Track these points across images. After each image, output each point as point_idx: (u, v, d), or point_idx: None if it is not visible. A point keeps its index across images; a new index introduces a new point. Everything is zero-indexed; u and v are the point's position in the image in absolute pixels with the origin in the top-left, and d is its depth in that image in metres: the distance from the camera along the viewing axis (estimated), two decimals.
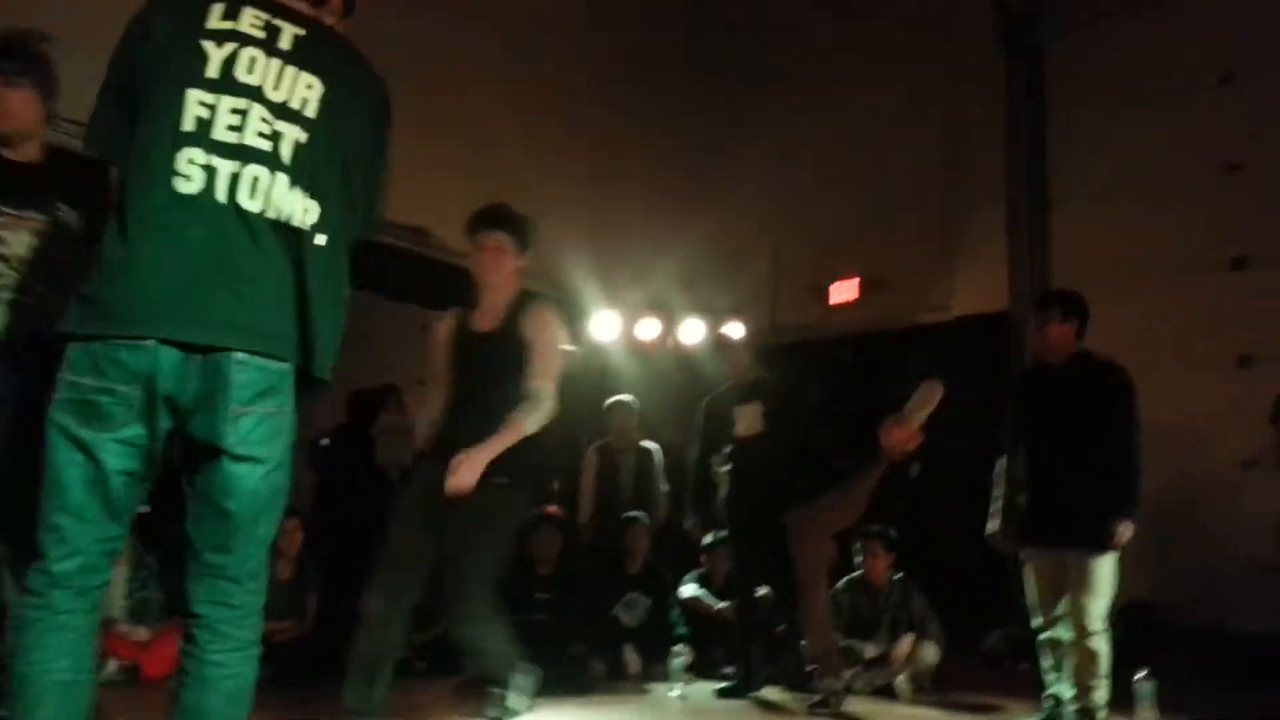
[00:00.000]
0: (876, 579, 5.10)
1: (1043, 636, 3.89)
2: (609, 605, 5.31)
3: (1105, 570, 3.71)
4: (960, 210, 7.26)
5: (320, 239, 1.85)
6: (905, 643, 4.84)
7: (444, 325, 3.30)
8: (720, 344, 5.55)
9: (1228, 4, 6.26)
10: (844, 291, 7.68)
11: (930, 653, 4.89)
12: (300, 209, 1.82)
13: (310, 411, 8.16)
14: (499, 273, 3.17)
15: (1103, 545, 3.68)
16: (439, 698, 4.24)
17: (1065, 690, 3.81)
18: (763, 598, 5.00)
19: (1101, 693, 3.69)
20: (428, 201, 6.53)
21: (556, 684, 4.39)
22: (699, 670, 5.15)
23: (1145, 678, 4.05)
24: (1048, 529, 3.83)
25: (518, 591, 4.95)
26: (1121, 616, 5.59)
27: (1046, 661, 3.87)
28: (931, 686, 4.87)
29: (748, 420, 4.86)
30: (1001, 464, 4.10)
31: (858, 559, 5.19)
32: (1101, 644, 3.70)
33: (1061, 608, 3.79)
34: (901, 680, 4.65)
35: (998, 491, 4.08)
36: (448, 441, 2.99)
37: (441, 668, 4.90)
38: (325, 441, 6.23)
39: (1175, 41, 6.41)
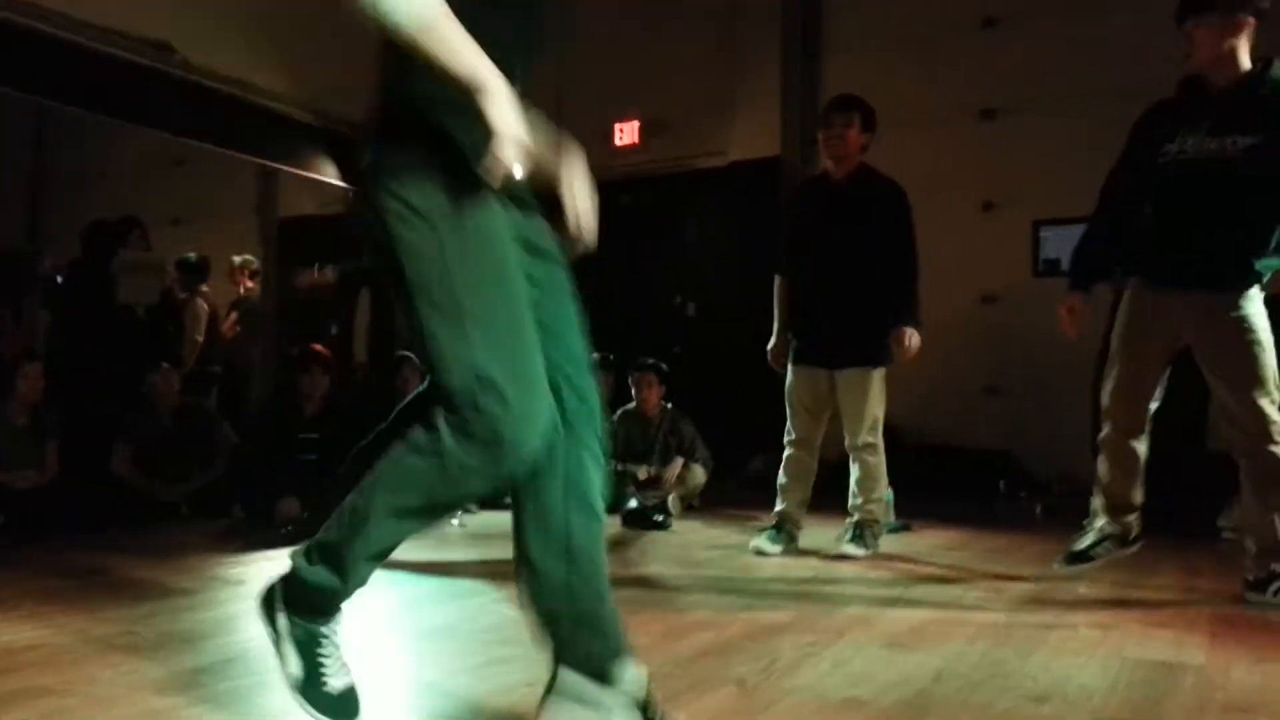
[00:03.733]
0: (649, 409, 5.28)
1: (790, 453, 3.80)
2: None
3: (874, 385, 3.67)
4: (738, 58, 7.33)
5: None
6: (675, 466, 5.09)
7: None
8: None
9: None
10: (626, 135, 7.63)
11: (698, 474, 5.17)
12: None
13: (41, 245, 7.39)
14: None
15: (874, 361, 3.66)
16: (208, 537, 4.07)
17: (787, 502, 3.79)
18: None
19: (874, 504, 3.69)
20: (172, 12, 5.84)
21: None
22: (485, 501, 5.21)
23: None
24: (816, 350, 3.74)
25: (285, 432, 4.78)
26: None
27: (784, 477, 3.80)
28: (699, 504, 5.18)
29: None
30: (778, 281, 3.94)
31: (633, 390, 5.35)
32: (877, 456, 3.68)
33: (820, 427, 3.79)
34: (672, 499, 4.88)
35: (776, 311, 3.93)
36: None
37: (206, 512, 4.74)
38: (60, 278, 5.66)
39: None
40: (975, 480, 5.59)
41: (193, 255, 6.66)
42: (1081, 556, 3.09)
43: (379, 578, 1.61)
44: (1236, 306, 2.82)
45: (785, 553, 3.66)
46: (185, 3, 5.89)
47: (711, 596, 2.86)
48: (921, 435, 5.42)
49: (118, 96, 5.78)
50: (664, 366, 5.37)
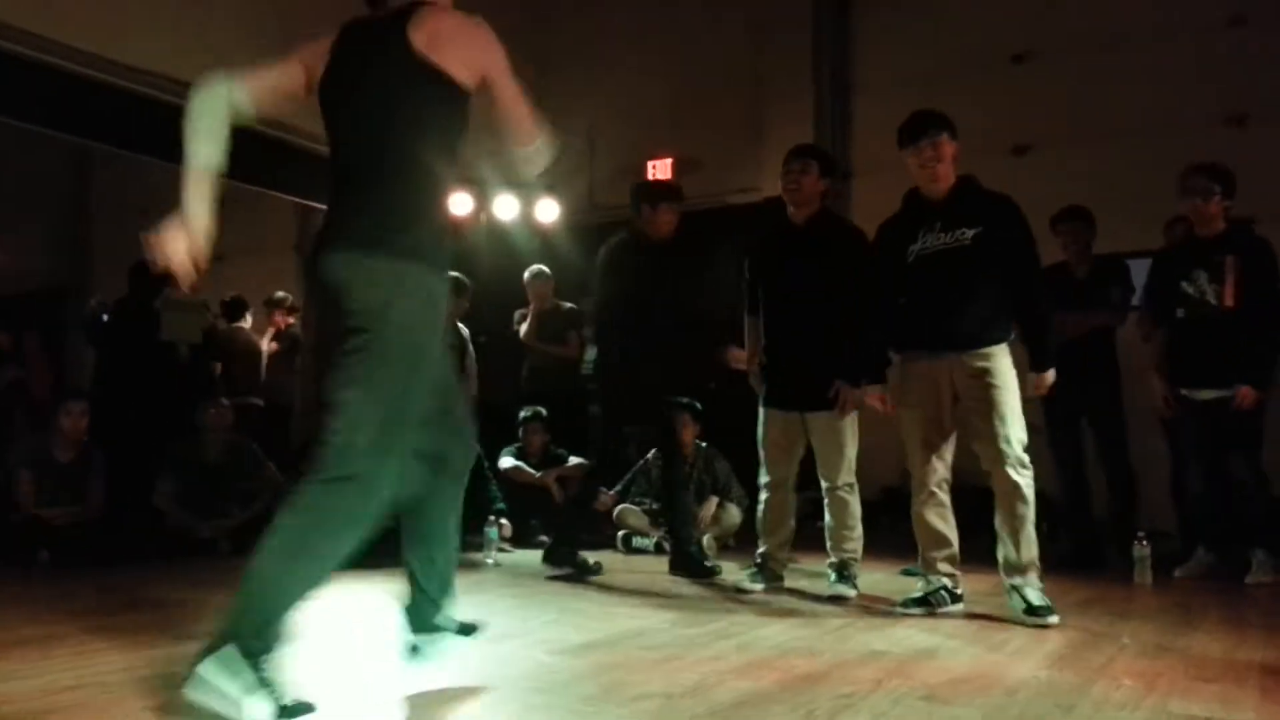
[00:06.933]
0: (683, 448, 5.26)
1: (767, 496, 3.84)
2: None
3: (844, 428, 3.69)
4: (769, 95, 7.40)
5: None
6: (710, 505, 5.08)
7: None
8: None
9: None
10: (659, 172, 7.68)
11: (733, 514, 5.15)
12: None
13: (89, 284, 7.49)
14: None
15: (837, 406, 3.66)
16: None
17: (768, 542, 3.84)
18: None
19: (853, 544, 3.71)
20: (215, 57, 5.96)
21: (367, 557, 4.32)
22: (518, 539, 5.24)
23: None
24: (783, 392, 3.77)
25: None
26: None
27: (763, 519, 3.84)
28: (735, 544, 5.15)
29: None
30: (747, 321, 4.01)
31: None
32: (850, 496, 3.72)
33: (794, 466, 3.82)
34: (707, 539, 4.86)
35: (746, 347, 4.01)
36: None
37: (245, 548, 4.77)
38: (105, 316, 5.77)
39: None
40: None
41: (230, 295, 6.80)
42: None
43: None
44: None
45: (768, 590, 3.76)
46: (228, 48, 6.01)
47: (745, 643, 2.84)
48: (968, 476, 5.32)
49: (159, 137, 5.90)
50: (698, 405, 5.35)
